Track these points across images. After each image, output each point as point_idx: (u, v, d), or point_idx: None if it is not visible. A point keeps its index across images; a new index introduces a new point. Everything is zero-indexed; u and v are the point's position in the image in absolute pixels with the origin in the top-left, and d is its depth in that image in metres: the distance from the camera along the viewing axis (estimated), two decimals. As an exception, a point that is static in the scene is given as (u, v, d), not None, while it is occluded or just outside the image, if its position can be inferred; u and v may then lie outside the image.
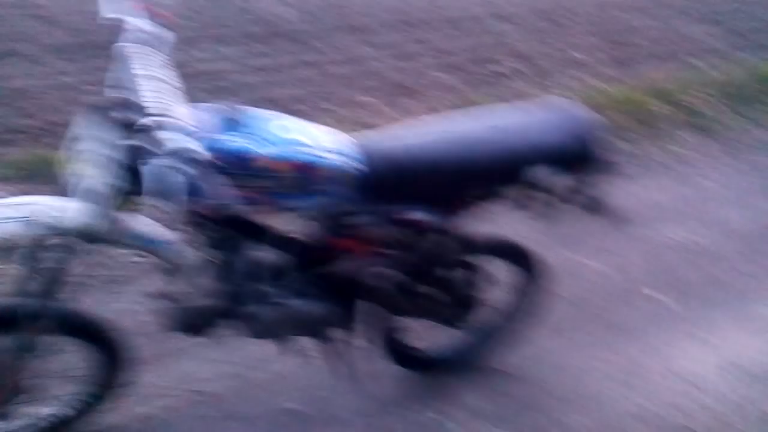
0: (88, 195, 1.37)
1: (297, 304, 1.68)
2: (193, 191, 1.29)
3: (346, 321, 1.84)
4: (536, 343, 2.27)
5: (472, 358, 2.20)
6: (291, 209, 1.50)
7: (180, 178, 1.21)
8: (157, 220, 1.57)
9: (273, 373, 2.13)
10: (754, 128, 3.90)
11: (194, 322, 1.67)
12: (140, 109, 1.28)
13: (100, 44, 3.31)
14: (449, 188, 1.63)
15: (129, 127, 1.30)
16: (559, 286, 2.50)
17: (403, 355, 2.08)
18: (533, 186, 1.66)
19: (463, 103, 3.92)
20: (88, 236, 1.42)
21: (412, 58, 4.78)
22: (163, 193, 1.22)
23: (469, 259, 1.90)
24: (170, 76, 1.38)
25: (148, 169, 1.22)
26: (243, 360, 2.17)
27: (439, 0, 6.14)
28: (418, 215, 1.58)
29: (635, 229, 2.91)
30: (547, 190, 1.68)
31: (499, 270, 2.03)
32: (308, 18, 5.47)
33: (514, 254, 1.99)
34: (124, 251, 2.38)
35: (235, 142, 1.37)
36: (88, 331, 1.69)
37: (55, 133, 2.98)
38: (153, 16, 1.51)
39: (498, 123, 1.64)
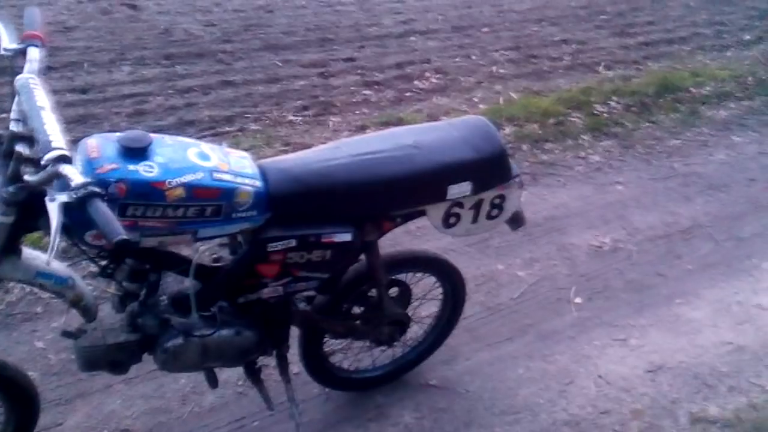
0: None
1: (218, 334, 1.63)
2: (86, 221, 1.24)
3: (277, 344, 1.81)
4: (470, 357, 2.30)
5: (405, 373, 2.20)
6: (208, 237, 1.46)
7: (72, 208, 1.16)
8: (52, 252, 1.50)
9: (204, 407, 2.06)
10: (666, 135, 4.10)
11: (106, 358, 1.59)
12: (45, 140, 1.22)
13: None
14: (371, 207, 1.63)
15: (17, 158, 1.24)
16: (489, 298, 2.56)
17: (335, 377, 2.06)
18: (455, 200, 1.68)
19: (390, 119, 3.96)
20: None
21: (337, 75, 4.80)
22: (56, 224, 1.17)
23: (395, 276, 1.90)
24: (46, 99, 1.32)
25: (55, 199, 1.17)
26: (173, 394, 2.10)
27: (361, 18, 6.20)
28: (338, 236, 1.56)
29: (558, 238, 3.00)
30: (470, 204, 1.71)
31: (424, 285, 2.05)
32: (231, 38, 5.41)
33: (438, 268, 2.00)
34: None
35: (145, 171, 1.32)
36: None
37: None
38: (26, 38, 1.46)
39: (417, 141, 1.65)
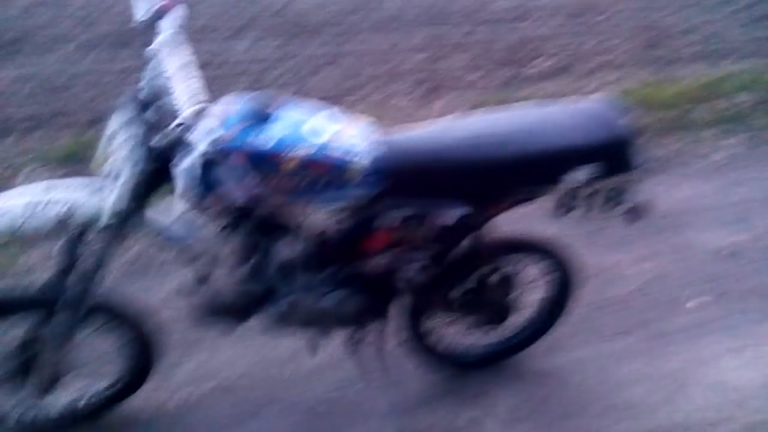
0: (114, 182, 1.39)
1: (329, 297, 1.68)
2: (212, 182, 1.30)
3: (378, 316, 1.82)
4: (574, 350, 2.23)
5: (506, 358, 2.16)
6: (321, 206, 1.48)
7: (199, 168, 1.23)
8: (179, 208, 1.58)
9: (306, 368, 2.12)
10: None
11: (219, 313, 1.68)
12: (172, 107, 1.29)
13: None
14: (483, 188, 1.60)
15: (152, 116, 1.32)
16: (597, 293, 2.45)
17: (434, 354, 2.05)
18: (571, 187, 1.62)
19: (499, 103, 3.87)
20: (120, 224, 1.45)
21: (445, 58, 4.75)
22: (185, 182, 1.24)
23: (504, 259, 1.86)
24: (185, 56, 1.39)
25: (180, 164, 1.24)
26: (275, 357, 2.17)
27: (473, 2, 6.09)
28: (447, 216, 1.54)
29: (673, 237, 2.83)
30: (585, 192, 1.64)
31: (534, 271, 1.99)
32: (341, 19, 5.48)
33: (548, 254, 1.95)
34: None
35: (265, 138, 1.36)
36: (120, 317, 1.71)
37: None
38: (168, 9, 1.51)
39: (534, 121, 1.60)
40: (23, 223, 1.36)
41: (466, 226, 1.60)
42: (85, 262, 1.51)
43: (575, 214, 1.69)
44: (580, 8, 6.03)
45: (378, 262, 1.65)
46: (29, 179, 1.38)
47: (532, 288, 2.03)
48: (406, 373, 2.10)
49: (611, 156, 1.61)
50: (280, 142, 1.37)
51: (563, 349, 2.23)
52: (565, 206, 1.67)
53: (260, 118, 1.37)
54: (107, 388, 1.88)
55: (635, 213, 1.79)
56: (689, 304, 2.46)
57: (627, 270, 2.63)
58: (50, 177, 1.49)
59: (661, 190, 3.16)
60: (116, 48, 4.16)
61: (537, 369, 2.16)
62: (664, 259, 2.70)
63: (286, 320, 1.69)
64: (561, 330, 2.17)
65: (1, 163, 3.02)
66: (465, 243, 1.77)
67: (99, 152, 1.46)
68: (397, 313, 1.88)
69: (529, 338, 2.15)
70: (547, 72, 4.55)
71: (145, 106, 1.36)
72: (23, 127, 3.34)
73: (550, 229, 2.01)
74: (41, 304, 1.58)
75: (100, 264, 1.52)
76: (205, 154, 1.26)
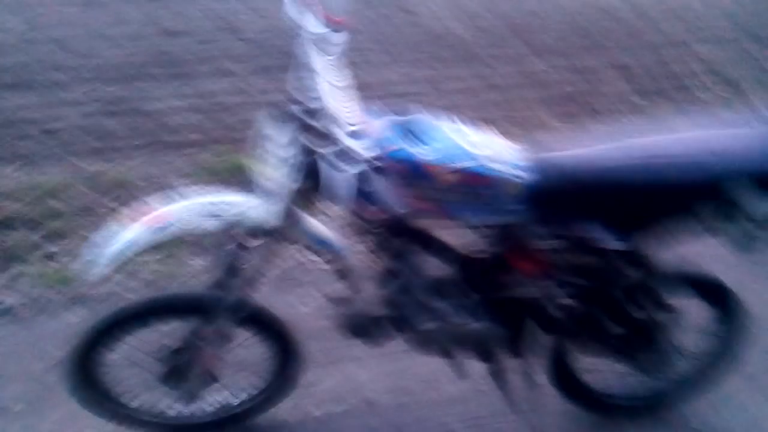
0: (270, 194, 1.45)
1: (465, 321, 1.64)
2: (367, 196, 1.31)
3: (514, 344, 1.75)
4: (747, 408, 2.00)
5: (662, 408, 1.98)
6: (463, 221, 1.45)
7: (355, 182, 1.25)
8: (331, 222, 1.62)
9: (444, 396, 2.10)
10: None
11: (364, 329, 1.70)
12: (319, 113, 1.32)
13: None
14: (634, 205, 1.47)
15: (309, 130, 1.36)
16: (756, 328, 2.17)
17: (582, 395, 1.93)
18: (732, 206, 1.45)
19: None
20: (270, 232, 1.51)
21: (606, 82, 4.55)
22: (339, 195, 1.27)
23: (659, 293, 1.71)
24: (344, 79, 1.41)
25: (326, 172, 1.27)
26: (417, 378, 2.17)
27: (637, 24, 5.80)
28: (609, 243, 1.45)
29: None
30: (749, 214, 1.46)
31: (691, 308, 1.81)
32: (499, 43, 5.45)
33: (712, 291, 1.77)
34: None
35: (410, 149, 1.36)
36: (272, 328, 1.79)
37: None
38: (329, 22, 1.55)
39: (716, 147, 1.45)
40: (196, 226, 1.47)
41: (628, 257, 1.49)
42: (245, 269, 1.59)
43: (735, 238, 1.50)
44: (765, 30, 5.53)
45: (527, 289, 1.58)
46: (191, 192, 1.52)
47: (697, 333, 1.85)
48: (551, 412, 2.00)
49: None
50: (441, 155, 1.36)
51: (731, 406, 2.01)
52: (725, 228, 1.49)
53: (420, 132, 1.38)
54: (251, 399, 1.97)
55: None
56: None
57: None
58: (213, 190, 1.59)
59: None
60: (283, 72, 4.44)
61: (697, 424, 1.97)
62: None
63: (427, 344, 1.68)
64: (729, 383, 1.96)
65: (169, 176, 3.31)
66: (613, 270, 1.65)
67: (258, 164, 1.54)
68: (536, 340, 1.79)
69: (691, 388, 1.95)
70: (718, 99, 4.18)
71: (308, 116, 1.41)
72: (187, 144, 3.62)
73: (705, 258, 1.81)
74: (202, 309, 1.67)
75: (259, 271, 1.59)
76: (368, 163, 1.28)
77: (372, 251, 1.62)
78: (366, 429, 2.01)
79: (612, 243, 1.45)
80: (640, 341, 1.75)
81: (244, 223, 1.50)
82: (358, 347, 1.86)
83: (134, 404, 1.89)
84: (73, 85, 4.06)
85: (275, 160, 1.45)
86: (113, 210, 2.94)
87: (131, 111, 3.85)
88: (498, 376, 1.80)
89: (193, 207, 1.49)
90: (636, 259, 1.55)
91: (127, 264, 1.51)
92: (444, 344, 1.68)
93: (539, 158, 1.48)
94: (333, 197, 1.35)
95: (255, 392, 1.96)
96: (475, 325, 1.64)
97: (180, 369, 1.77)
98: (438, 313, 1.64)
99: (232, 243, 1.57)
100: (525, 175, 1.41)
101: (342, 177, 1.30)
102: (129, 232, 1.48)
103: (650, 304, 1.69)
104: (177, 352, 1.75)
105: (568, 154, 1.52)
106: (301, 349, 1.86)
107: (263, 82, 4.27)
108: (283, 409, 2.01)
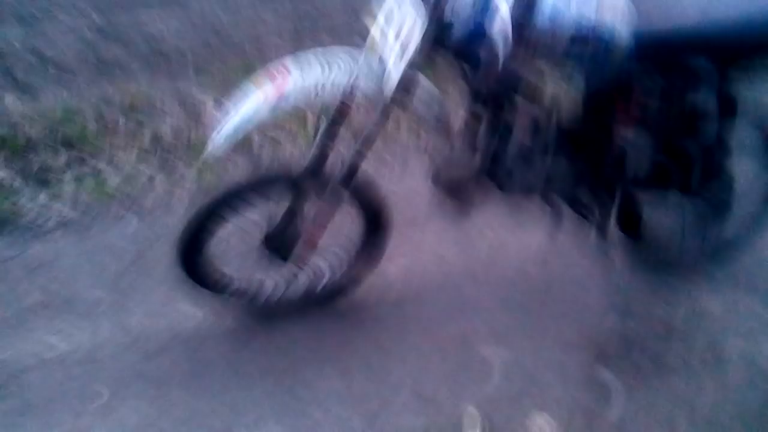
0: (390, 58, 1.53)
1: (557, 159, 1.79)
2: (492, 54, 1.45)
3: (594, 186, 1.90)
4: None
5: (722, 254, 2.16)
6: (579, 76, 1.59)
7: (484, 42, 1.38)
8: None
9: (513, 257, 2.26)
10: None
11: (459, 184, 1.83)
12: None
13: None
14: (731, 45, 1.61)
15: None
16: None
17: (653, 246, 2.09)
18: None
19: None
20: (401, 96, 1.57)
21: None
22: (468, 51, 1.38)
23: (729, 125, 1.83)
24: None
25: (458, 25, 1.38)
26: (484, 242, 2.32)
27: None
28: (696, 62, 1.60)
29: None
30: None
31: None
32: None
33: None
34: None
35: (539, 7, 1.46)
36: (372, 203, 1.90)
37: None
38: None
39: None
40: (314, 98, 1.55)
41: (707, 76, 1.63)
42: (364, 133, 1.63)
43: None
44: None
45: (617, 140, 1.73)
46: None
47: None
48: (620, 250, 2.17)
49: None
50: (552, 12, 1.47)
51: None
52: None
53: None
54: (339, 275, 2.08)
55: None
56: None
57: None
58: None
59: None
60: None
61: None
62: None
63: (518, 177, 1.80)
64: None
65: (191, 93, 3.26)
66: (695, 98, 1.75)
67: (374, 31, 1.61)
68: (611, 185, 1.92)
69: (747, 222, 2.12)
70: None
71: None
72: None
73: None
74: (308, 179, 1.76)
75: (370, 138, 1.64)
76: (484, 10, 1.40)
77: (475, 114, 1.73)
78: (440, 276, 2.17)
79: (707, 69, 1.60)
80: (710, 176, 1.90)
81: (362, 90, 1.58)
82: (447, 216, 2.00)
83: (235, 277, 1.99)
84: (67, 12, 3.96)
85: (399, 21, 1.52)
86: (133, 130, 2.96)
87: (130, 37, 3.77)
88: (578, 217, 1.96)
89: (311, 76, 1.55)
90: (728, 112, 1.72)
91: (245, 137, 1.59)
92: (530, 180, 1.81)
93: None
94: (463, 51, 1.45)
95: (344, 267, 2.07)
96: (561, 160, 1.78)
97: (283, 241, 1.86)
98: (529, 154, 1.78)
99: (348, 110, 1.63)
100: (627, 30, 1.52)
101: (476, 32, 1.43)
102: (247, 106, 1.56)
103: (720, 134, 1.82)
104: (282, 223, 1.84)
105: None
106: (391, 225, 1.96)
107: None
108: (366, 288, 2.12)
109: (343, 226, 1.92)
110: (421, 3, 1.47)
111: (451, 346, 1.95)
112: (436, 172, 1.82)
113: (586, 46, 1.51)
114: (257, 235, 1.87)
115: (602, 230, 1.99)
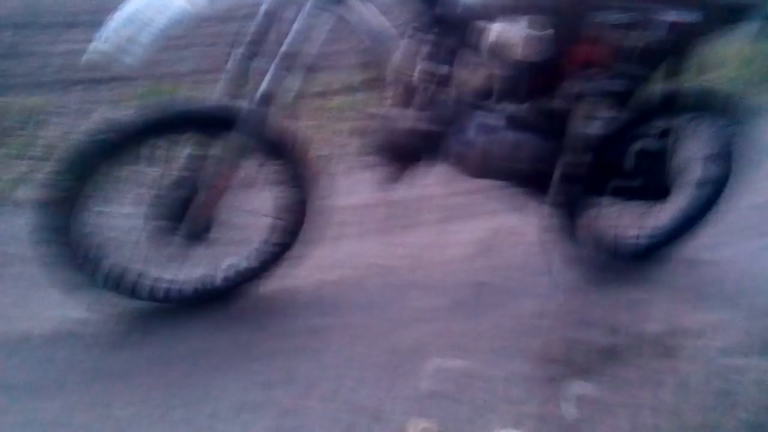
0: None
1: (511, 132, 1.54)
2: None
3: (550, 172, 1.65)
4: (741, 242, 2.05)
5: (665, 248, 1.98)
6: None
7: None
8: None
9: (449, 256, 1.98)
10: None
11: (404, 147, 1.54)
12: None
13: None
14: None
15: None
16: (752, 197, 2.24)
17: (595, 241, 1.87)
18: None
19: None
20: None
21: None
22: None
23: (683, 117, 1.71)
24: None
25: None
26: (420, 244, 2.03)
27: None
28: (681, 15, 1.41)
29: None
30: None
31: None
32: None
33: (720, 108, 1.77)
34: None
35: None
36: (290, 154, 1.56)
37: None
38: None
39: None
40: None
41: (694, 32, 1.45)
42: (294, 27, 1.34)
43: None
44: None
45: (571, 89, 1.48)
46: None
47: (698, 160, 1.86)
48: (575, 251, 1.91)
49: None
50: None
51: (724, 245, 2.05)
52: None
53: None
54: (258, 256, 1.72)
55: None
56: None
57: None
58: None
59: None
60: None
61: (701, 258, 1.98)
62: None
63: (470, 154, 1.53)
64: (715, 229, 2.01)
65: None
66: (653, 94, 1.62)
67: None
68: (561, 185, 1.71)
69: (693, 220, 1.97)
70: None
71: None
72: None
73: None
74: (220, 121, 1.43)
75: (303, 32, 1.34)
76: None
77: (421, 53, 1.46)
78: (379, 285, 1.83)
79: (673, 14, 1.40)
80: (650, 165, 1.73)
81: None
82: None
83: (114, 262, 1.56)
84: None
85: None
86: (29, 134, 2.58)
87: (27, 53, 3.51)
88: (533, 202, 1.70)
89: None
90: (692, 34, 1.50)
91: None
92: (483, 156, 1.53)
93: None
94: None
95: (265, 245, 1.70)
96: (515, 133, 1.52)
97: (182, 202, 1.49)
98: (486, 126, 1.51)
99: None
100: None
101: None
102: (176, 2, 1.21)
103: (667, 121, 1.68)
104: (181, 181, 1.47)
105: None
106: (319, 186, 1.63)
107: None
108: (289, 274, 1.78)
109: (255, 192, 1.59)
110: None
111: (399, 357, 1.58)
112: (375, 130, 1.50)
113: None
114: (145, 197, 1.49)
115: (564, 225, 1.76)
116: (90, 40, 1.25)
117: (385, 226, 2.11)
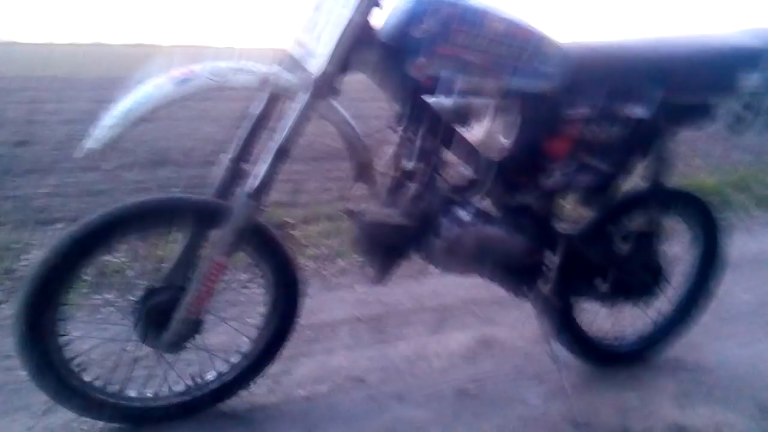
0: (332, 44, 1.34)
1: (493, 227, 1.57)
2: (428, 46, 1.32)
3: (538, 264, 1.69)
4: (720, 352, 2.05)
5: (649, 353, 1.99)
6: (516, 88, 1.43)
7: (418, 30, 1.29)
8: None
9: (434, 367, 1.92)
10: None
11: (380, 241, 1.54)
12: None
13: None
14: (661, 86, 1.56)
15: None
16: (719, 308, 2.27)
17: (579, 338, 1.87)
18: (745, 91, 1.61)
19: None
20: (327, 87, 1.37)
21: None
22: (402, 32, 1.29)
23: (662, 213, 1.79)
24: None
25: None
26: (400, 354, 1.96)
27: None
28: (634, 110, 1.52)
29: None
30: (760, 102, 1.63)
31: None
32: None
33: (692, 209, 1.87)
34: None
35: (473, 1, 1.36)
36: (275, 256, 1.55)
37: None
38: None
39: (705, 34, 1.65)
40: (231, 77, 1.29)
41: (651, 128, 1.56)
42: (288, 123, 1.35)
43: (746, 127, 1.66)
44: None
45: (556, 178, 1.55)
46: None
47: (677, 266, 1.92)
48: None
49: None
50: (486, 5, 1.37)
51: (703, 348, 2.06)
52: (741, 119, 1.64)
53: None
54: (234, 366, 1.64)
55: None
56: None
57: (743, 296, 2.49)
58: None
59: (743, 239, 3.13)
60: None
61: (689, 363, 1.97)
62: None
63: (455, 249, 1.54)
64: (693, 338, 2.05)
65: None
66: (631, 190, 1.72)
67: (296, 32, 1.45)
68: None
69: (674, 324, 1.99)
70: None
71: None
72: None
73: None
74: (201, 219, 1.43)
75: (293, 135, 1.37)
76: (422, 3, 1.27)
77: (396, 152, 1.53)
78: (361, 400, 1.74)
79: (636, 110, 1.52)
80: (641, 254, 1.78)
81: (280, 80, 1.36)
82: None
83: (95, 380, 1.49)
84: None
85: (325, 14, 1.38)
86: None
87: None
88: (520, 294, 1.72)
89: (224, 63, 1.32)
90: (655, 134, 1.62)
91: (137, 124, 1.26)
92: (468, 250, 1.55)
93: (572, 45, 1.53)
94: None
95: (242, 355, 1.63)
96: (497, 228, 1.57)
97: (159, 311, 1.44)
98: (459, 220, 1.55)
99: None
100: (556, 40, 1.46)
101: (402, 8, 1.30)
102: (145, 87, 1.27)
103: (656, 201, 1.76)
104: (166, 281, 1.45)
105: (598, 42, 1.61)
106: (303, 291, 1.61)
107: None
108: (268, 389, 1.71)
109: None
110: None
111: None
112: (357, 228, 1.52)
113: (518, 41, 1.38)
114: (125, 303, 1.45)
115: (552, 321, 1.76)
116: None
117: (366, 338, 2.06)
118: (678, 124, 1.64)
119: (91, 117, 1.31)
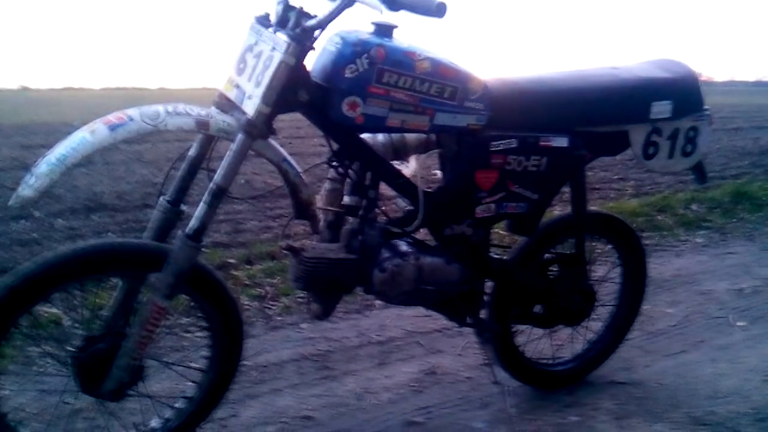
0: (265, 86, 1.36)
1: (432, 257, 1.61)
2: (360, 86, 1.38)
3: (476, 296, 1.75)
4: (649, 365, 2.17)
5: (585, 374, 2.06)
6: (441, 125, 1.49)
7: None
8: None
9: (382, 400, 1.93)
10: (759, 225, 4.11)
11: (330, 276, 1.54)
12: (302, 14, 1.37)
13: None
14: (580, 118, 1.67)
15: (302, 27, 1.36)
16: (647, 327, 2.44)
17: (518, 360, 1.92)
18: (655, 127, 1.74)
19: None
20: (262, 129, 1.38)
21: None
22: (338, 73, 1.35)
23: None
24: None
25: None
26: (348, 390, 1.97)
27: None
28: (555, 141, 1.61)
29: (694, 287, 2.93)
30: (668, 129, 1.76)
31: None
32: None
33: (617, 234, 1.97)
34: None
35: (400, 41, 1.43)
36: (216, 295, 1.52)
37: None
38: None
39: (617, 66, 1.78)
40: (165, 119, 1.30)
41: (571, 157, 1.65)
42: (224, 163, 1.37)
43: (660, 157, 1.78)
44: None
45: (485, 207, 1.61)
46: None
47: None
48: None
49: (685, 93, 1.76)
50: (413, 45, 1.44)
51: (636, 366, 2.15)
52: (651, 148, 1.76)
53: (388, 30, 1.44)
54: (174, 416, 1.59)
55: (703, 171, 1.91)
56: (739, 323, 2.50)
57: (665, 310, 2.63)
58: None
59: (663, 262, 3.32)
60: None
61: (622, 379, 2.06)
62: (695, 301, 2.76)
63: (397, 280, 1.57)
64: (624, 353, 2.14)
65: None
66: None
67: (229, 75, 1.47)
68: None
69: (607, 347, 2.08)
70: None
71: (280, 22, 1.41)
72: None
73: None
74: (140, 265, 1.41)
75: (236, 167, 1.37)
76: (352, 45, 1.33)
77: (334, 187, 1.58)
78: None
79: (557, 141, 1.61)
80: (572, 277, 1.86)
81: (216, 122, 1.37)
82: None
83: None
84: None
85: (256, 57, 1.40)
86: None
87: None
88: (463, 324, 1.76)
89: (159, 106, 1.33)
90: (576, 164, 1.71)
91: (69, 172, 1.25)
92: (409, 281, 1.59)
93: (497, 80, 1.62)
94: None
95: (187, 400, 1.59)
96: (436, 258, 1.61)
97: (100, 359, 1.39)
98: (399, 251, 1.60)
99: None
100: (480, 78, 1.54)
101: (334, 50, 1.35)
102: (79, 132, 1.27)
103: (582, 228, 1.84)
104: (105, 329, 1.42)
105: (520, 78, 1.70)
106: (246, 332, 1.61)
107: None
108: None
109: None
110: (285, 36, 1.36)
111: None
112: (298, 264, 1.53)
113: (444, 79, 1.45)
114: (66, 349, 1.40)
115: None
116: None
117: (313, 376, 2.06)
118: (596, 152, 1.75)
119: (20, 164, 1.30)
